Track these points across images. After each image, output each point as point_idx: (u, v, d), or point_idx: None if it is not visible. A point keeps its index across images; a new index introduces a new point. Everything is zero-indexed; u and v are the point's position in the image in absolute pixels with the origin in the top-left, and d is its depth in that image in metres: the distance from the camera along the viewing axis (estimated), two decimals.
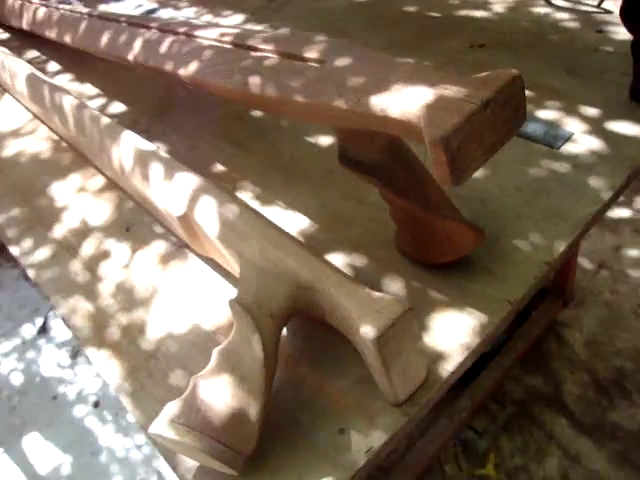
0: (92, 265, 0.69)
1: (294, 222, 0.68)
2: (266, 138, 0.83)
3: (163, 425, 0.45)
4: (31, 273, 0.71)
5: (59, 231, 0.76)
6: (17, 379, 1.61)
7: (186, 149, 0.84)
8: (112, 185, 0.80)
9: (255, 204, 0.71)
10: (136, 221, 0.74)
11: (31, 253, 0.73)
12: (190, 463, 0.49)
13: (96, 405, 1.53)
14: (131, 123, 0.92)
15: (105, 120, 0.74)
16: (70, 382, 1.60)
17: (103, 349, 0.60)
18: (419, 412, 0.49)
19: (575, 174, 0.66)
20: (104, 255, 0.70)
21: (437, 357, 0.52)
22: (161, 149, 0.67)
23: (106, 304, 0.64)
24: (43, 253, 0.73)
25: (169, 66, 0.70)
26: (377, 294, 0.46)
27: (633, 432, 1.34)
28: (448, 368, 0.51)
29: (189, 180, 0.60)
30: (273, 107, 0.58)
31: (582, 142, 0.71)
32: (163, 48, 0.72)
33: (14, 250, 0.75)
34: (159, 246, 0.70)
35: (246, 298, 0.52)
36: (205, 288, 0.63)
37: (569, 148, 0.70)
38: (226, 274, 0.63)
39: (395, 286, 0.58)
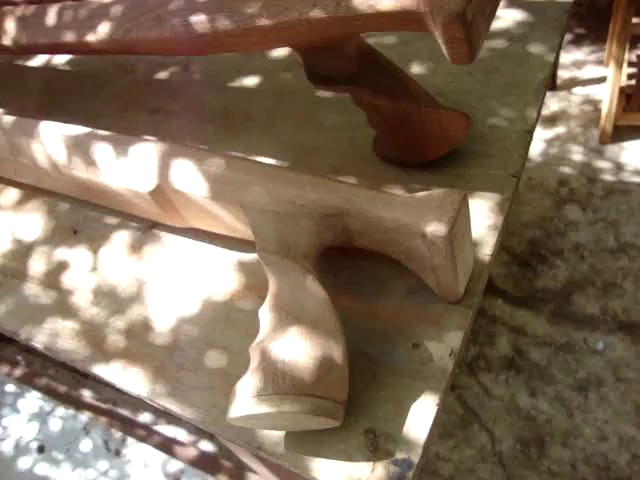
0: (52, 281, 0.60)
1: None
2: (184, 96, 0.76)
3: (250, 404, 0.40)
4: None
5: None
6: None
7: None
8: (30, 193, 0.69)
9: None
10: (80, 220, 0.65)
11: None
12: (276, 436, 0.45)
13: (41, 450, 1.40)
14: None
15: (6, 118, 0.63)
16: (2, 437, 1.45)
17: (114, 361, 0.52)
18: (478, 302, 0.49)
19: (514, 47, 0.67)
20: (61, 267, 0.61)
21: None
22: None
23: (92, 314, 0.56)
24: None
25: (70, 37, 0.60)
26: (420, 194, 0.44)
27: (560, 290, 1.47)
28: (487, 252, 0.51)
29: (148, 149, 0.53)
30: (229, 44, 0.52)
31: (507, 16, 0.72)
32: (50, 20, 0.62)
33: None
34: (122, 236, 0.62)
35: (270, 247, 0.47)
36: (197, 261, 0.57)
37: (498, 25, 0.71)
38: (213, 238, 0.57)
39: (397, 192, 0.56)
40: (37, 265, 0.62)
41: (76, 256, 0.62)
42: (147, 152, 0.53)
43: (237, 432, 0.46)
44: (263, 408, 0.40)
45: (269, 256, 0.46)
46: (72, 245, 0.63)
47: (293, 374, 0.41)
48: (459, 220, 0.41)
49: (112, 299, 0.57)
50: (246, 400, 0.41)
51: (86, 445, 1.35)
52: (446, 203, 0.42)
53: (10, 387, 1.50)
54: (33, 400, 1.45)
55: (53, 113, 0.76)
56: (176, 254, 0.59)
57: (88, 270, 0.60)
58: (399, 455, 0.42)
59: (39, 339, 0.56)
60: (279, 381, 0.41)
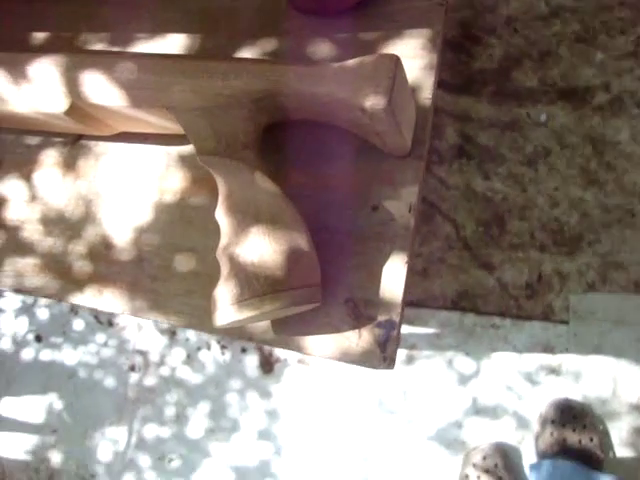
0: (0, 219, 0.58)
1: (174, 44, 0.58)
2: None
3: (231, 311, 0.42)
4: None
5: None
6: None
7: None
8: None
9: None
10: None
11: None
12: (263, 325, 0.47)
13: (38, 339, 1.45)
14: None
15: None
16: None
17: (87, 288, 0.52)
18: (426, 149, 0.49)
19: None
20: None
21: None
22: None
23: (49, 245, 0.55)
24: None
25: None
26: (350, 62, 0.41)
27: (497, 69, 1.44)
28: (427, 95, 0.49)
29: (50, 64, 0.48)
30: None
31: None
32: None
33: None
34: (50, 156, 0.58)
35: (207, 145, 0.45)
36: (136, 165, 0.55)
37: None
38: (146, 138, 0.54)
39: (323, 47, 0.53)
40: None
41: (8, 188, 0.58)
42: (49, 68, 0.48)
43: (225, 330, 0.48)
44: (245, 313, 0.41)
45: (211, 158, 0.44)
46: (0, 178, 0.59)
47: (266, 274, 0.42)
48: (396, 87, 0.40)
49: (64, 225, 0.55)
50: (227, 308, 0.42)
51: (79, 324, 1.41)
52: (381, 71, 0.40)
53: None
54: (12, 297, 1.47)
55: None
56: (113, 162, 0.56)
57: (27, 200, 0.57)
58: (381, 317, 0.45)
59: (4, 282, 0.55)
60: (254, 284, 0.42)
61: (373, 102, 0.39)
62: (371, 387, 1.20)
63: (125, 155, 0.55)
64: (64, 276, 0.54)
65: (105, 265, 0.53)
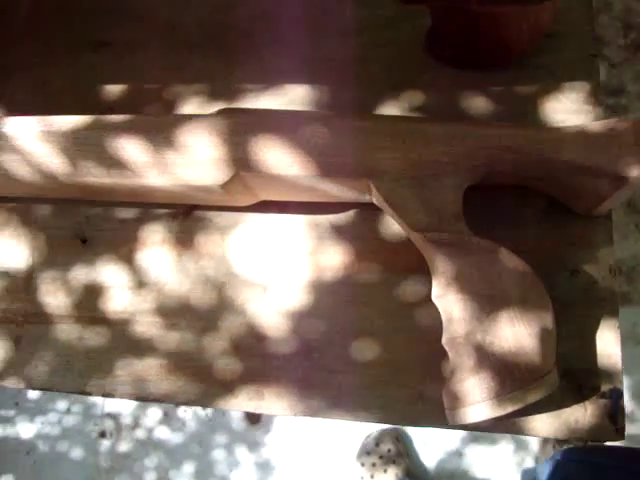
0: (90, 314, 0.47)
1: (295, 96, 0.51)
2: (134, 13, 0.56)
3: (489, 407, 0.37)
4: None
5: None
6: None
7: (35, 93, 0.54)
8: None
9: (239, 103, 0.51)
10: (82, 223, 0.49)
11: None
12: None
13: None
14: None
15: None
16: None
17: (241, 390, 0.44)
18: None
19: None
20: (91, 292, 0.47)
21: None
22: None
23: (175, 341, 0.45)
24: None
25: None
26: (594, 126, 0.39)
27: None
28: None
29: (201, 126, 0.40)
30: None
31: None
32: None
33: None
34: (155, 232, 0.48)
35: (419, 220, 0.40)
36: (277, 239, 0.47)
37: None
38: (283, 206, 0.47)
39: (476, 102, 0.49)
40: (55, 299, 0.48)
41: (104, 273, 0.48)
42: (207, 134, 0.40)
43: (432, 421, 0.42)
44: (508, 408, 0.37)
45: (440, 236, 0.39)
46: (90, 260, 0.48)
47: (526, 362, 0.37)
48: None
49: (191, 315, 0.46)
50: (483, 404, 0.37)
51: (33, 393, 1.24)
52: (627, 133, 0.37)
53: None
54: None
55: None
56: (246, 237, 0.47)
57: (133, 287, 0.47)
58: (604, 387, 0.43)
59: (121, 391, 0.45)
60: (515, 374, 0.37)
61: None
62: (363, 432, 1.17)
63: (261, 228, 0.47)
64: (205, 378, 0.45)
65: (260, 361, 0.45)
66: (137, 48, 0.53)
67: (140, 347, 0.46)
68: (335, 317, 0.45)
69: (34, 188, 0.46)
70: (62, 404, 1.21)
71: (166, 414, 1.20)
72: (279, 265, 0.46)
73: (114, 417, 1.20)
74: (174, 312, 0.46)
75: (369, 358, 0.44)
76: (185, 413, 1.20)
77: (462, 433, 1.12)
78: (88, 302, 0.47)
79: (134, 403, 1.20)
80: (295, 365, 0.44)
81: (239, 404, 0.44)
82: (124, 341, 0.46)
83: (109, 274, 0.48)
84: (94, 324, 0.47)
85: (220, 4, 0.54)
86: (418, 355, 0.44)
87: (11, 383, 0.47)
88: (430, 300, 0.42)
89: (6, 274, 0.49)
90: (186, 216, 0.48)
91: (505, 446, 1.11)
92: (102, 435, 1.20)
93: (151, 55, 0.53)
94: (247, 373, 0.45)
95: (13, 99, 0.53)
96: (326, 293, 0.46)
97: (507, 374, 0.37)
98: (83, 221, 0.49)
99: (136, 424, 1.20)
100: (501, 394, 0.37)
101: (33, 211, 0.50)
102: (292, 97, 0.50)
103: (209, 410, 1.20)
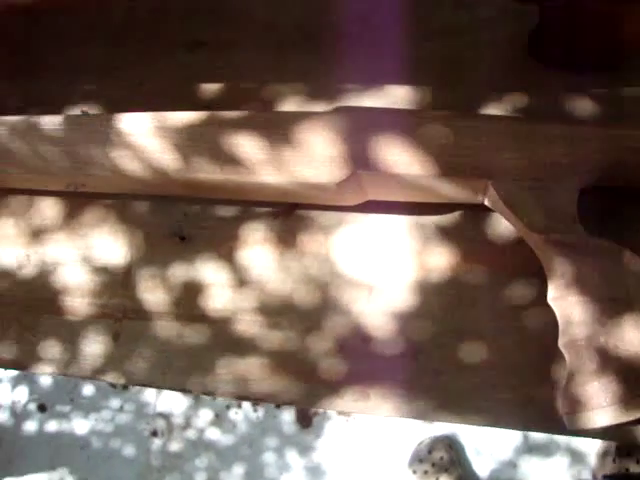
0: (190, 312, 0.47)
1: (395, 97, 0.50)
2: (219, 22, 0.56)
3: (615, 411, 0.36)
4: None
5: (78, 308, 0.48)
6: None
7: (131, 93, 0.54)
8: (70, 199, 0.51)
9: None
10: (180, 220, 0.49)
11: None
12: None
13: (42, 409, 1.26)
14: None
15: (51, 120, 0.43)
16: None
17: (346, 390, 0.44)
18: None
19: None
20: (191, 289, 0.47)
21: None
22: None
23: (277, 340, 0.45)
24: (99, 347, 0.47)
25: None
26: None
27: None
28: None
29: (321, 124, 0.40)
30: None
31: None
32: None
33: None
34: (256, 230, 0.48)
35: (538, 222, 0.39)
36: (384, 239, 0.46)
37: None
38: (390, 206, 0.47)
39: (582, 104, 0.48)
40: (154, 296, 0.48)
41: (205, 271, 0.48)
42: (325, 130, 0.40)
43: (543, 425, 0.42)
44: (634, 414, 0.36)
45: (564, 238, 0.38)
46: (189, 257, 0.48)
47: None
48: None
49: (294, 315, 0.46)
50: (608, 408, 0.36)
51: (88, 389, 1.25)
52: None
53: None
54: None
55: (39, 74, 0.53)
56: (350, 236, 0.47)
57: (234, 285, 0.47)
58: None
59: (223, 389, 0.45)
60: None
61: None
62: (416, 436, 1.15)
63: (365, 228, 0.47)
64: (309, 378, 0.44)
65: (366, 362, 0.44)
66: (233, 48, 0.53)
67: (241, 346, 0.46)
68: (442, 318, 0.44)
69: (137, 184, 0.46)
70: (115, 402, 1.22)
71: (217, 415, 1.20)
72: (384, 265, 0.46)
73: (166, 417, 1.21)
74: (276, 311, 0.46)
75: (476, 360, 0.43)
76: (236, 415, 1.20)
77: (516, 443, 1.10)
78: (187, 300, 0.47)
79: (186, 403, 1.21)
80: (401, 367, 0.44)
81: (344, 405, 0.44)
82: (225, 339, 0.46)
83: (209, 272, 0.48)
84: (194, 322, 0.47)
85: (316, 5, 0.54)
86: (527, 358, 0.43)
87: (111, 378, 0.47)
88: (538, 302, 0.42)
89: (104, 269, 0.49)
90: (288, 215, 0.48)
91: (560, 459, 1.09)
92: (154, 434, 1.20)
93: (247, 55, 0.53)
94: (352, 374, 0.44)
95: (110, 98, 0.53)
96: (432, 294, 0.45)
97: (634, 379, 0.36)
98: (181, 219, 0.49)
99: (187, 424, 1.20)
100: (627, 399, 0.36)
101: (130, 208, 0.50)
102: (393, 98, 0.50)
103: (260, 412, 1.19)
